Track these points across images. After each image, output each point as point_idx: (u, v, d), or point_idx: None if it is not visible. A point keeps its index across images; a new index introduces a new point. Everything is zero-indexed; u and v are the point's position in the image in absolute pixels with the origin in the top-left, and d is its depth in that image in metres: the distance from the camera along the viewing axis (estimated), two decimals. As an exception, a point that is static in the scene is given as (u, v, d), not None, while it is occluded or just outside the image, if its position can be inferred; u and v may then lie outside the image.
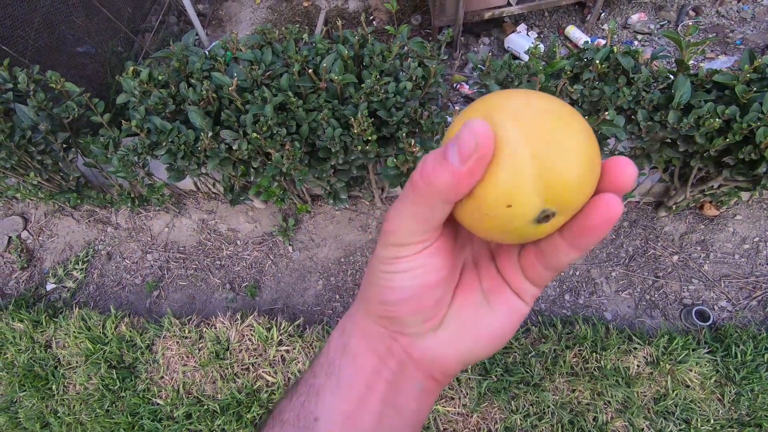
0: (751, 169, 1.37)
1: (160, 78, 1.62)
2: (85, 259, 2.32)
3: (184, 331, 1.95)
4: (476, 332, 0.33)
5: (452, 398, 1.74)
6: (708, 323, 1.81)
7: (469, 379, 1.75)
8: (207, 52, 1.68)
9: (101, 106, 1.78)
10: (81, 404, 1.88)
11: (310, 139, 1.56)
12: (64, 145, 1.88)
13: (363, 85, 1.46)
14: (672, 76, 1.45)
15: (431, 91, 1.58)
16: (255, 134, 1.45)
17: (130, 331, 1.98)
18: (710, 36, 2.80)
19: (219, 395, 1.82)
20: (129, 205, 2.24)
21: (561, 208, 0.26)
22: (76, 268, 2.29)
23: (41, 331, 2.06)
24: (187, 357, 1.90)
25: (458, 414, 1.72)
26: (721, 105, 1.33)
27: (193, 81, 1.60)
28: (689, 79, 1.40)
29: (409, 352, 0.33)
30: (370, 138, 1.44)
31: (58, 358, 2.00)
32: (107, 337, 1.98)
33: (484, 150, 0.24)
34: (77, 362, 1.96)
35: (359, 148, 1.47)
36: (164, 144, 1.54)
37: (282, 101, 1.49)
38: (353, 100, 1.49)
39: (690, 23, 2.84)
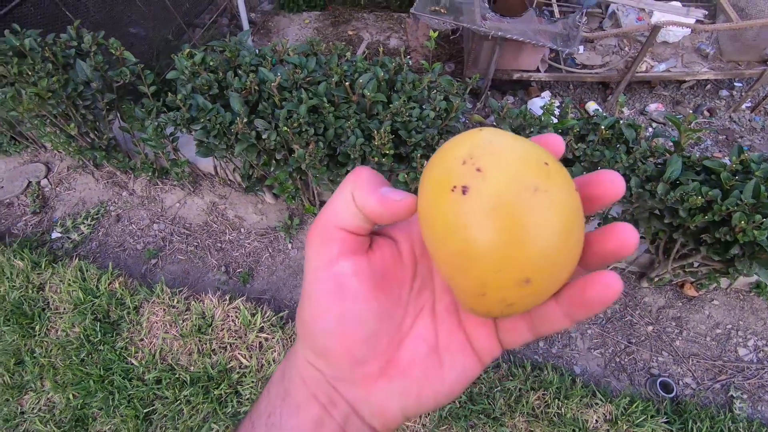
0: (725, 250, 1.49)
1: (211, 63, 1.79)
2: (95, 217, 2.42)
3: (173, 300, 2.02)
4: (423, 391, 0.31)
5: (413, 416, 1.78)
6: (671, 395, 1.87)
7: (434, 401, 1.80)
8: (258, 50, 1.85)
9: (150, 78, 1.94)
10: (59, 349, 1.93)
11: (333, 144, 1.70)
12: (108, 106, 2.03)
13: (391, 106, 1.61)
14: (668, 155, 1.60)
15: (450, 124, 1.73)
16: (286, 128, 1.59)
17: (122, 290, 2.05)
18: (720, 137, 2.98)
19: (192, 367, 1.87)
20: (149, 174, 2.36)
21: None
22: (84, 223, 2.39)
23: (38, 273, 2.13)
24: (171, 325, 1.97)
25: (416, 432, 1.76)
26: (706, 187, 1.47)
27: (240, 72, 1.76)
28: (682, 159, 1.54)
29: (355, 407, 0.31)
30: (387, 152, 1.57)
31: (48, 302, 2.07)
32: (99, 291, 2.05)
33: (403, 212, 0.29)
34: (65, 309, 2.02)
35: (376, 159, 1.60)
36: (202, 120, 1.68)
37: (315, 104, 1.64)
38: (380, 116, 1.64)
39: (701, 119, 3.03)
